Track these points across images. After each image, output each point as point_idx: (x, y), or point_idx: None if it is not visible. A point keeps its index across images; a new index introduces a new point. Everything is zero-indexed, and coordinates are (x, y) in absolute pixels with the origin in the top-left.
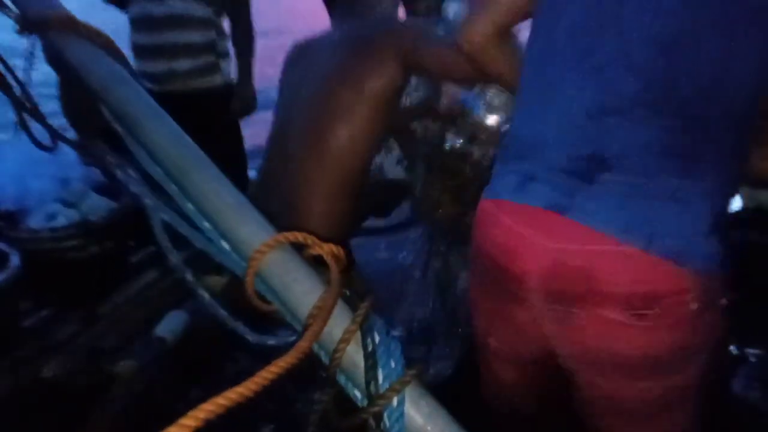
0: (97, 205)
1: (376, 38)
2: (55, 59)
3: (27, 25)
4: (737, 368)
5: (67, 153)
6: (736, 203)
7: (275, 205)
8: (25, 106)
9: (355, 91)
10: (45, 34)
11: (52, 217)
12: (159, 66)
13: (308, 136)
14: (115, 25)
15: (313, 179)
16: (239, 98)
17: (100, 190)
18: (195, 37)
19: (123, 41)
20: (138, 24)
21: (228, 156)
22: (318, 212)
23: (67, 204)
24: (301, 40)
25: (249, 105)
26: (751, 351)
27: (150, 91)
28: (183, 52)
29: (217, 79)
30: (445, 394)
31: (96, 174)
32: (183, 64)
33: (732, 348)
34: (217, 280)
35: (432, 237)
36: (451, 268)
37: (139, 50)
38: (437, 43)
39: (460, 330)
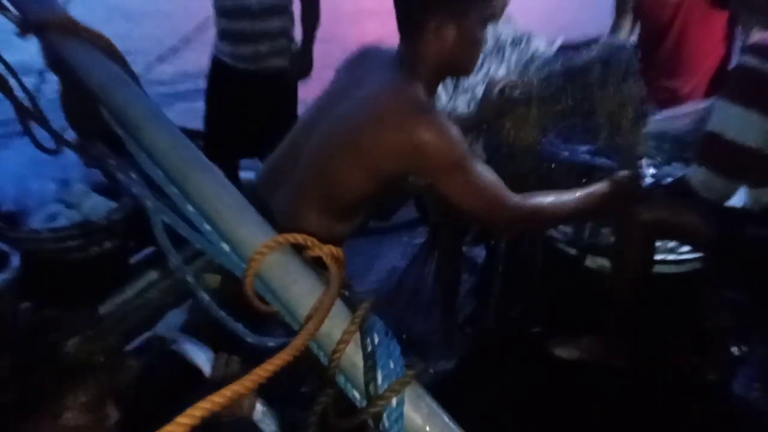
0: (98, 206)
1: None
2: (55, 62)
3: (27, 27)
4: (737, 368)
5: (68, 154)
6: (742, 204)
7: (275, 204)
8: (27, 110)
9: (378, 142)
10: (45, 36)
11: (52, 217)
12: (248, 48)
13: (320, 149)
14: (113, 27)
15: (312, 198)
16: (300, 63)
17: (100, 190)
18: (278, 23)
19: (121, 43)
20: (233, 13)
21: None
22: (309, 230)
23: (68, 205)
24: (369, 46)
25: (307, 69)
26: (751, 351)
27: (234, 69)
28: (269, 36)
29: (287, 61)
30: (445, 394)
31: (96, 175)
32: (265, 46)
33: (732, 348)
34: (214, 279)
35: (435, 236)
36: (453, 268)
37: (230, 35)
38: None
39: (460, 330)
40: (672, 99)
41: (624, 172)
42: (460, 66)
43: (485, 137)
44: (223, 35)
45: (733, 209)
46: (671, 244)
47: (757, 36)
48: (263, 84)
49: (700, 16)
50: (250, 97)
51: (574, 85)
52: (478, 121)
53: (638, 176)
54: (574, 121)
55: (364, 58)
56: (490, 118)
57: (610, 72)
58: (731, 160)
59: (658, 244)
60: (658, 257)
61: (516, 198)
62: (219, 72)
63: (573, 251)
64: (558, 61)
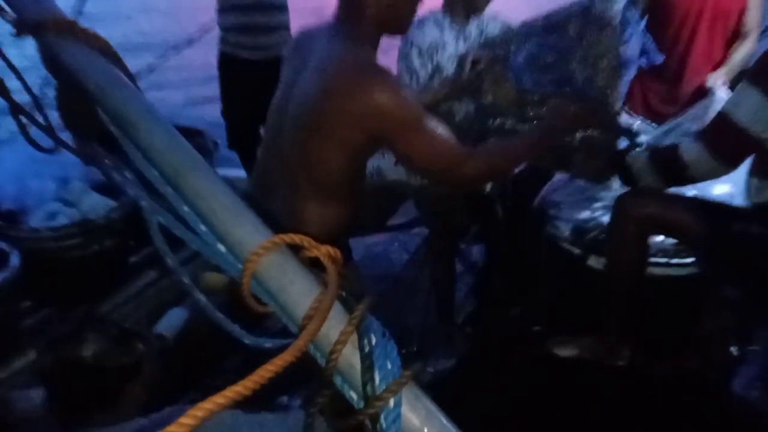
0: (97, 204)
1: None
2: (51, 62)
3: (23, 27)
4: (737, 368)
5: (67, 152)
6: (743, 197)
7: (275, 205)
8: (22, 110)
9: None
10: (42, 37)
11: (52, 216)
12: (265, 39)
13: (294, 139)
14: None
15: (304, 188)
16: None
17: (100, 189)
18: (286, 16)
19: (117, 43)
20: (255, 8)
21: None
22: (312, 220)
23: (67, 203)
24: (303, 29)
25: None
26: (751, 351)
27: (248, 60)
28: (281, 28)
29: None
30: (445, 394)
31: (96, 173)
32: (277, 37)
33: (732, 348)
34: (217, 278)
35: (433, 235)
36: (448, 268)
37: (249, 28)
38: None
39: (460, 330)
40: (672, 99)
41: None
42: (396, 23)
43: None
44: (240, 29)
45: (721, 205)
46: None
47: None
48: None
49: (709, 20)
50: (267, 84)
51: (554, 39)
52: (453, 91)
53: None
54: (552, 76)
55: (304, 41)
56: (466, 88)
57: (588, 24)
58: (728, 142)
59: (662, 248)
60: (660, 260)
61: (470, 150)
62: (233, 65)
63: (576, 251)
64: (538, 21)
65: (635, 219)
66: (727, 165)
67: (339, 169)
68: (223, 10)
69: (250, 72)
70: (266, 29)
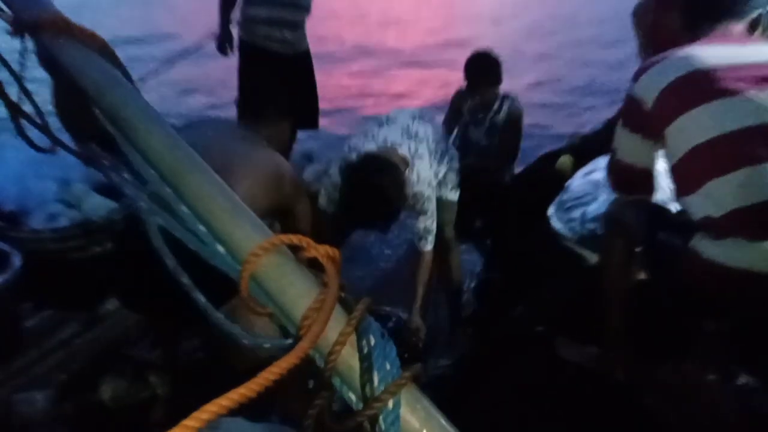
0: (99, 206)
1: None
2: (48, 62)
3: (20, 27)
4: (737, 368)
5: (68, 154)
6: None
7: None
8: (21, 110)
9: None
10: (38, 36)
11: (53, 217)
12: (291, 34)
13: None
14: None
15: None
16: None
17: (101, 190)
18: (303, 16)
19: (115, 43)
20: (285, 4)
21: (307, 92)
22: None
23: (69, 205)
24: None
25: None
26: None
27: (272, 52)
28: (303, 24)
29: (305, 45)
30: (445, 394)
31: (97, 175)
32: (294, 35)
33: (733, 351)
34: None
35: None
36: (451, 269)
37: (279, 22)
38: None
39: (460, 329)
40: None
41: None
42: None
43: None
44: (270, 22)
45: (663, 210)
46: None
47: None
48: (301, 63)
49: None
50: (295, 77)
51: None
52: None
53: None
54: None
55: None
56: None
57: None
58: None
59: None
60: None
61: None
62: (263, 57)
63: (583, 251)
64: None
65: (621, 226)
66: (621, 194)
67: None
68: (252, 2)
69: (279, 65)
70: (293, 25)
